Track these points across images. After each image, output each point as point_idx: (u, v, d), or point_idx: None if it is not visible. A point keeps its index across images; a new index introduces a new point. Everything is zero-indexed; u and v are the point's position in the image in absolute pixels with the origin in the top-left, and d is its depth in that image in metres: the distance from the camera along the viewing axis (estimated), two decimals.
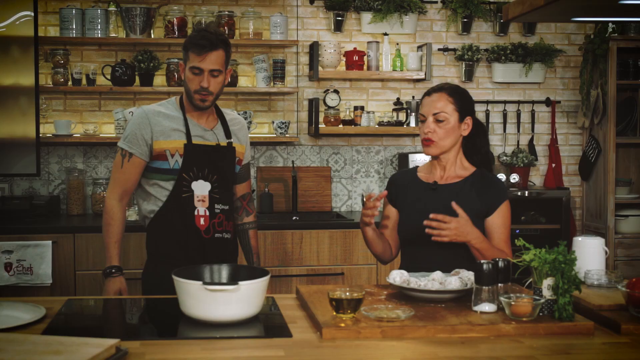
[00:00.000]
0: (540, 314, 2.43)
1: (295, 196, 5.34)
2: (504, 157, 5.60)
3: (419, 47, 5.53)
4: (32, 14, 4.90)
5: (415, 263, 3.00)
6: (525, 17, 2.66)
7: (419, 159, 5.16)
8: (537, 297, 2.42)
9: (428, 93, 3.06)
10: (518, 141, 5.74)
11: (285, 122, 5.30)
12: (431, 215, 2.84)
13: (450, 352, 2.15)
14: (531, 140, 5.73)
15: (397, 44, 5.52)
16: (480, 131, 3.11)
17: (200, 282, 2.35)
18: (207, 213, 3.22)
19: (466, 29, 5.62)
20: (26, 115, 4.96)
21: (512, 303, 2.38)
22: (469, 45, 5.54)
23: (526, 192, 5.34)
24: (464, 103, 3.03)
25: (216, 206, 3.25)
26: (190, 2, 5.37)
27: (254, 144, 5.44)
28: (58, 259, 4.64)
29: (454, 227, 2.82)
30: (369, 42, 5.41)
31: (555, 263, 2.39)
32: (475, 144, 3.10)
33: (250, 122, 5.26)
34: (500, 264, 2.52)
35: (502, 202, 3.00)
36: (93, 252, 4.65)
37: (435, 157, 3.06)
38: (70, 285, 4.66)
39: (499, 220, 2.99)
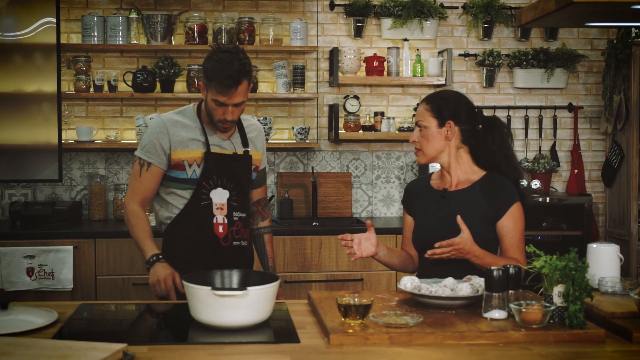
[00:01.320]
0: (551, 321, 2.41)
1: (315, 202, 5.35)
2: (526, 163, 5.57)
3: (440, 53, 5.52)
4: (55, 20, 4.95)
5: (431, 271, 2.98)
6: (539, 22, 2.65)
7: (438, 165, 5.13)
8: (548, 304, 2.40)
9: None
10: (540, 147, 5.70)
11: (305, 128, 5.31)
12: (436, 244, 2.80)
13: (457, 358, 2.14)
14: (553, 146, 5.69)
15: (418, 49, 5.51)
16: (489, 131, 3.04)
17: (209, 288, 2.37)
18: (226, 221, 3.24)
19: (487, 34, 5.59)
20: (49, 121, 5.01)
21: (522, 310, 2.37)
22: (490, 51, 5.52)
23: (547, 198, 5.30)
24: (442, 108, 2.99)
25: (234, 214, 3.28)
26: (211, 9, 5.40)
27: (275, 149, 5.46)
28: (79, 264, 4.68)
29: (451, 249, 2.78)
30: (389, 48, 5.41)
31: (565, 270, 2.38)
32: (484, 149, 3.04)
33: (270, 128, 5.27)
34: (511, 270, 2.50)
35: (511, 204, 2.94)
36: (114, 257, 4.69)
37: (428, 165, 3.08)
38: (91, 290, 4.70)
39: (509, 223, 2.94)
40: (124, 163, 5.37)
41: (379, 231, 4.82)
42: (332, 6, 5.48)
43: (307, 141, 5.35)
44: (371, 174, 5.60)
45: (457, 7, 5.60)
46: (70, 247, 4.64)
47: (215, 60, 3.09)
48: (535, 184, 5.39)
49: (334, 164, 5.56)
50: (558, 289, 2.41)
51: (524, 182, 5.39)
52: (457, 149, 3.03)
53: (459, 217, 2.84)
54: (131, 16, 5.20)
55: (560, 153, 5.71)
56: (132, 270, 4.69)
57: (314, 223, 5.25)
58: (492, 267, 2.46)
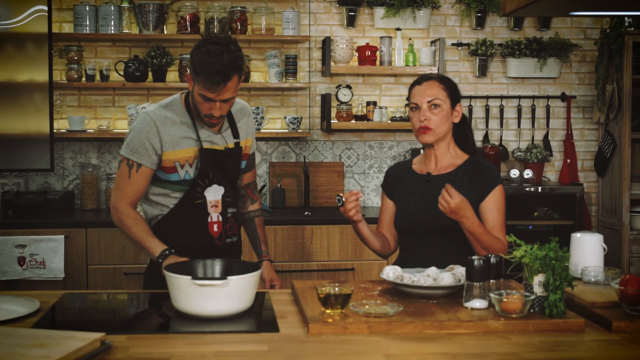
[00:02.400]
0: (531, 310, 2.42)
1: (307, 191, 5.35)
2: (518, 153, 5.56)
3: (433, 42, 5.51)
4: (46, 8, 4.94)
5: (412, 253, 3.02)
6: (522, 11, 2.64)
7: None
8: (528, 294, 2.40)
9: (418, 82, 3.06)
10: (533, 136, 5.69)
11: (298, 118, 5.31)
12: (447, 185, 2.79)
13: (434, 348, 2.15)
14: (546, 135, 5.69)
15: (410, 39, 5.50)
16: (464, 120, 3.13)
17: (190, 277, 2.37)
18: (220, 219, 3.11)
19: (480, 23, 5.58)
20: (40, 111, 5.01)
21: (502, 300, 2.37)
22: (482, 40, 5.51)
23: (539, 187, 5.30)
24: (454, 90, 3.05)
25: (228, 210, 3.15)
26: None
27: (267, 139, 5.46)
28: (70, 254, 4.69)
29: (454, 202, 2.76)
30: (381, 37, 5.40)
31: (546, 259, 2.38)
32: (463, 134, 3.11)
33: (262, 118, 5.27)
34: (492, 260, 2.50)
35: (494, 186, 2.98)
36: (105, 246, 4.70)
37: (429, 145, 3.04)
38: (83, 279, 4.71)
39: (491, 204, 2.96)
40: (116, 152, 5.37)
41: (371, 220, 4.81)
42: None
43: (299, 131, 5.35)
44: (364, 164, 5.60)
45: None
46: (62, 237, 4.65)
47: (204, 53, 2.85)
48: (528, 173, 5.38)
49: (326, 153, 5.56)
50: (538, 279, 2.41)
51: (516, 172, 5.40)
52: (451, 133, 3.08)
53: (448, 185, 2.79)
54: (123, 5, 5.19)
55: (553, 143, 5.71)
56: (124, 259, 4.70)
57: (306, 213, 5.25)
58: (473, 257, 2.46)
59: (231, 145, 3.14)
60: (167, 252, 2.90)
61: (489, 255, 2.51)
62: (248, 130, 3.25)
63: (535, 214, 5.28)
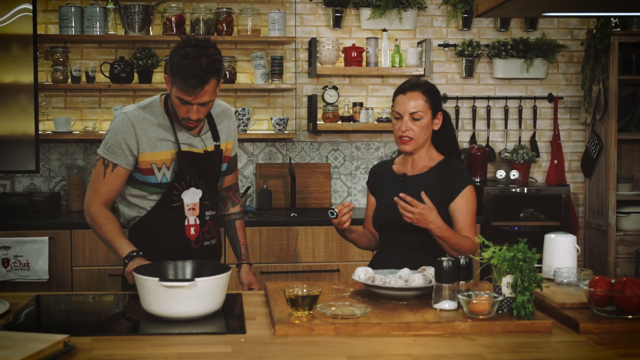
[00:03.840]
0: (500, 311, 2.42)
1: (294, 193, 5.35)
2: (505, 154, 5.56)
3: (419, 43, 5.50)
4: (31, 7, 4.94)
5: (390, 247, 3.12)
6: (494, 12, 2.63)
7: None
8: (496, 295, 2.40)
9: (402, 91, 3.09)
10: (520, 137, 5.69)
11: (284, 119, 5.31)
12: (400, 195, 2.90)
13: (398, 349, 2.14)
14: (533, 136, 5.68)
15: (397, 39, 5.49)
16: (446, 121, 3.19)
17: (157, 279, 2.37)
18: (198, 222, 3.09)
19: (467, 24, 5.58)
20: (26, 112, 5.01)
21: (470, 301, 2.37)
22: (469, 41, 5.50)
23: (525, 188, 5.29)
24: (435, 100, 3.11)
25: (206, 213, 3.13)
26: None
27: (253, 140, 5.46)
28: (55, 255, 4.69)
29: (417, 212, 2.86)
30: (367, 38, 5.39)
31: (514, 261, 2.38)
32: (443, 136, 3.18)
33: (249, 119, 5.27)
34: (462, 261, 2.50)
35: (464, 187, 3.04)
36: (90, 248, 4.69)
37: (409, 154, 3.10)
38: (67, 280, 4.71)
39: (461, 205, 3.02)
40: None
41: (358, 222, 4.82)
42: None
43: (285, 132, 5.35)
44: (350, 165, 5.60)
45: None
46: (46, 238, 4.65)
47: (182, 55, 2.83)
48: (514, 174, 5.38)
49: (313, 154, 5.56)
50: (506, 280, 2.41)
51: (502, 173, 5.40)
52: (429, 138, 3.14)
53: (423, 193, 2.92)
54: (108, 6, 5.19)
55: (540, 143, 5.70)
56: (108, 261, 4.69)
57: (293, 214, 5.25)
58: (442, 258, 2.46)
59: (211, 148, 3.12)
60: (134, 254, 2.89)
61: (459, 257, 2.51)
62: (229, 133, 3.23)
63: (522, 214, 5.27)
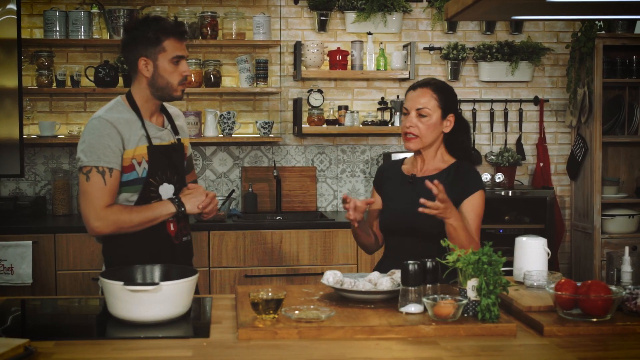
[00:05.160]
0: (465, 315, 2.41)
1: (279, 196, 5.35)
2: (491, 157, 5.56)
3: (405, 47, 5.51)
4: (15, 8, 4.94)
5: (394, 252, 3.07)
6: (462, 15, 2.64)
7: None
8: (461, 298, 2.40)
9: (413, 87, 3.09)
10: (505, 140, 5.69)
11: (269, 122, 5.31)
12: (421, 201, 2.80)
13: (359, 353, 2.14)
14: (519, 139, 5.69)
15: (381, 43, 5.50)
16: (462, 127, 3.14)
17: (122, 283, 2.37)
18: (175, 218, 3.07)
19: (452, 27, 5.58)
20: (10, 117, 5.00)
21: (435, 304, 2.37)
22: (454, 44, 5.51)
23: (510, 191, 5.29)
24: (447, 100, 3.05)
25: (180, 208, 3.08)
26: (174, 2, 5.39)
27: (239, 144, 5.47)
28: (39, 259, 4.69)
29: (441, 206, 2.80)
30: (353, 42, 5.40)
31: (478, 264, 2.38)
32: (457, 141, 3.12)
33: (234, 122, 5.27)
34: (429, 264, 2.50)
35: (474, 191, 3.01)
36: (74, 251, 4.70)
37: (418, 153, 3.09)
38: (51, 284, 4.71)
39: (469, 207, 3.00)
40: None
41: (344, 225, 4.85)
42: (296, 0, 5.47)
43: (271, 135, 5.35)
44: (336, 168, 5.60)
45: (421, 1, 5.59)
46: (30, 242, 4.65)
47: (153, 21, 3.01)
48: (499, 177, 5.38)
49: (298, 158, 5.56)
50: (472, 283, 2.41)
51: (487, 176, 5.40)
52: (441, 140, 3.11)
53: (427, 182, 2.83)
54: (93, 11, 5.20)
55: (526, 146, 5.71)
56: (92, 265, 4.70)
57: (278, 217, 5.26)
58: (408, 262, 2.46)
59: (173, 141, 3.16)
60: (175, 200, 3.00)
61: (425, 260, 2.51)
62: (184, 131, 3.28)
63: (507, 217, 5.27)
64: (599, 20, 5.22)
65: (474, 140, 5.65)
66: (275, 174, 5.31)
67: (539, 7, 2.65)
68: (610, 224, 5.36)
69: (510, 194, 5.28)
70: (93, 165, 2.92)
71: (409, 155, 3.23)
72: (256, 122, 5.36)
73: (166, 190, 3.08)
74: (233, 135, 5.30)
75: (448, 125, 3.06)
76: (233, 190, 5.24)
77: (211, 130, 5.25)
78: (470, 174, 3.05)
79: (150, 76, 3.04)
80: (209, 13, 5.24)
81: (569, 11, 2.82)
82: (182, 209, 3.00)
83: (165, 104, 3.20)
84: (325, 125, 5.39)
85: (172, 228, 3.08)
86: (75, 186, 5.34)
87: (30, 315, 2.75)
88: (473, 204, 3.01)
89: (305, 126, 5.35)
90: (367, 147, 5.60)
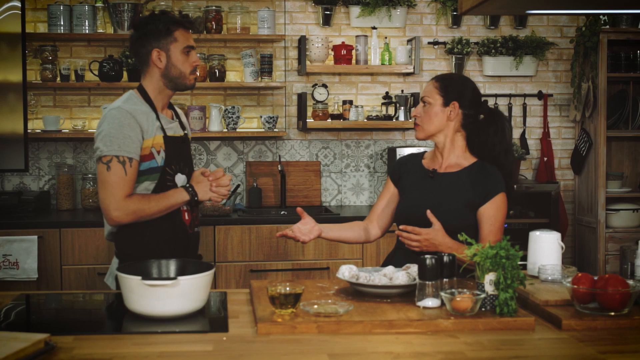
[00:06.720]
0: (482, 309, 2.42)
1: (284, 191, 5.35)
2: None
3: (409, 41, 5.50)
4: (19, 5, 4.93)
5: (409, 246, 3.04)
6: (478, 9, 2.63)
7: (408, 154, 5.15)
8: (479, 293, 2.40)
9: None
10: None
11: (273, 117, 5.30)
12: (401, 227, 2.90)
13: (379, 347, 2.14)
14: (523, 133, 5.69)
15: (386, 37, 5.49)
16: (491, 124, 3.06)
17: (140, 277, 2.36)
18: (188, 207, 3.13)
19: (456, 22, 5.58)
20: (14, 111, 4.99)
21: (453, 298, 2.37)
22: (459, 39, 5.50)
23: (514, 186, 5.28)
24: (450, 88, 3.05)
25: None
26: None
27: (243, 138, 5.46)
28: (44, 254, 4.67)
29: (422, 238, 2.87)
30: (357, 36, 5.39)
31: (496, 258, 2.38)
32: (481, 138, 3.06)
33: (238, 117, 5.26)
34: (445, 258, 2.50)
35: (496, 193, 2.99)
36: (79, 246, 4.68)
37: (429, 141, 3.12)
38: (57, 279, 4.70)
39: (490, 210, 2.98)
40: (91, 152, 5.36)
41: (348, 219, 4.83)
42: None
43: (275, 130, 5.34)
44: (340, 163, 5.59)
45: None
46: (35, 237, 4.63)
47: (162, 14, 3.11)
48: None
49: (303, 152, 5.55)
50: (489, 277, 2.41)
51: None
52: (455, 132, 3.09)
53: (429, 212, 2.90)
54: (97, 5, 5.18)
55: (530, 141, 5.71)
56: (98, 259, 4.69)
57: (283, 212, 5.25)
58: (426, 256, 2.46)
59: (182, 134, 3.23)
60: (189, 188, 3.04)
61: (442, 254, 2.50)
62: (187, 128, 3.34)
63: (511, 212, 5.28)
64: (604, 14, 5.23)
65: None
66: (279, 169, 5.30)
67: (552, 1, 2.64)
68: (614, 218, 5.37)
69: (514, 189, 5.27)
70: (114, 155, 2.94)
71: (428, 149, 3.25)
72: (261, 117, 5.35)
73: (180, 180, 3.14)
74: (237, 130, 5.30)
75: (453, 113, 3.04)
76: (238, 185, 5.25)
77: (216, 124, 5.24)
78: (492, 176, 3.01)
79: (163, 67, 3.10)
80: (214, 7, 5.23)
81: (582, 5, 2.81)
82: (195, 197, 3.05)
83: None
84: (329, 120, 5.38)
85: (186, 217, 3.14)
86: (80, 181, 5.32)
87: (46, 310, 2.74)
88: (495, 207, 2.98)
89: (309, 121, 5.35)
90: (372, 141, 5.59)
